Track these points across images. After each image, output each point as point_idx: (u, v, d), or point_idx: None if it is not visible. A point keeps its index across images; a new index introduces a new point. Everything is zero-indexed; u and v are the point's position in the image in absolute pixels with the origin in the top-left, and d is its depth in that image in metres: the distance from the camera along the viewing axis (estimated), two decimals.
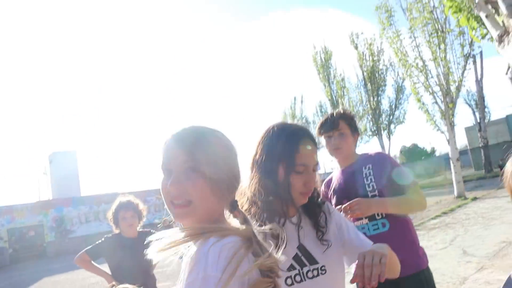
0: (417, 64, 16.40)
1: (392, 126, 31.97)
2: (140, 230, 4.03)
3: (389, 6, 16.87)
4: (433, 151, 63.65)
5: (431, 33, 15.96)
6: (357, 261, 1.39)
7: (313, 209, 1.63)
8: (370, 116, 31.93)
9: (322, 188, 2.70)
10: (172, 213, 1.10)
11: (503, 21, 2.68)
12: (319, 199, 1.67)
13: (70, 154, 35.23)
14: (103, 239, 3.98)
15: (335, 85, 34.53)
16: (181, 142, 1.09)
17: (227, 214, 1.15)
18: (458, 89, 16.99)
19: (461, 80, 16.87)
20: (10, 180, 72.12)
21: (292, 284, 1.50)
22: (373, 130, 32.29)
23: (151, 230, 4.20)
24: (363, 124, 33.30)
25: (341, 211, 2.19)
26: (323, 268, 1.55)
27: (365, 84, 32.02)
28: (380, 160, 2.51)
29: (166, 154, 1.11)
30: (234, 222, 1.13)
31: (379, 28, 17.99)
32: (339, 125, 2.53)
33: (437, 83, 16.42)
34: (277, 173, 1.50)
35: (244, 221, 1.12)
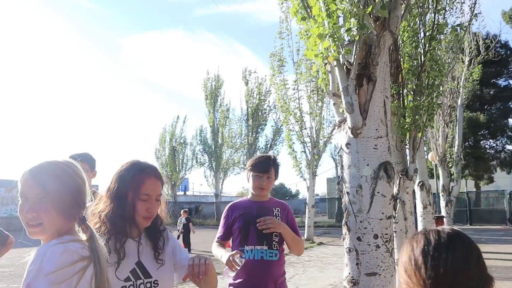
0: (295, 114, 17.90)
1: None
2: None
3: (282, 56, 18.29)
4: (297, 193, 67.47)
5: (312, 90, 17.67)
6: (187, 264, 1.89)
7: (155, 233, 2.06)
8: (246, 150, 33.35)
9: (228, 208, 3.19)
10: (27, 231, 1.47)
11: (342, 112, 3.55)
12: (162, 226, 2.11)
13: None
14: None
15: (220, 113, 35.51)
16: (35, 177, 1.46)
17: (77, 227, 1.54)
18: (326, 144, 18.89)
19: (329, 137, 18.80)
20: None
21: None
22: (245, 163, 33.71)
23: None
24: (238, 156, 34.67)
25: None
26: (155, 282, 1.97)
27: (247, 119, 33.49)
28: (286, 209, 3.17)
29: (23, 184, 1.46)
30: (82, 234, 1.55)
31: (269, 73, 19.29)
32: (270, 170, 3.09)
33: (309, 134, 18.08)
34: (126, 199, 1.91)
35: (90, 233, 1.51)
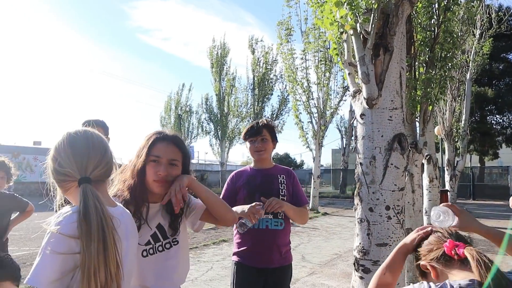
0: (302, 83, 17.77)
1: None
2: (4, 191, 4.09)
3: (290, 25, 18.01)
4: (302, 163, 67.59)
5: (320, 60, 17.48)
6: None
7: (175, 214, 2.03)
8: (252, 120, 33.29)
9: (232, 175, 3.16)
10: None
11: (357, 82, 3.51)
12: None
13: None
14: None
15: (226, 82, 35.27)
16: None
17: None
18: (332, 115, 18.81)
19: (336, 108, 18.72)
20: None
21: (147, 256, 1.96)
22: None
23: (15, 194, 4.30)
24: (243, 125, 34.61)
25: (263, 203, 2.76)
26: (174, 240, 2.04)
27: (254, 89, 33.28)
28: (292, 176, 3.14)
29: None
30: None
31: (276, 41, 19.07)
32: (262, 132, 3.05)
33: (316, 105, 17.98)
34: (139, 163, 1.95)
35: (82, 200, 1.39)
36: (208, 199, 2.02)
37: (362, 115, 3.29)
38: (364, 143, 3.28)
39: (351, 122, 32.42)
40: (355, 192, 3.38)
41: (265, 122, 3.14)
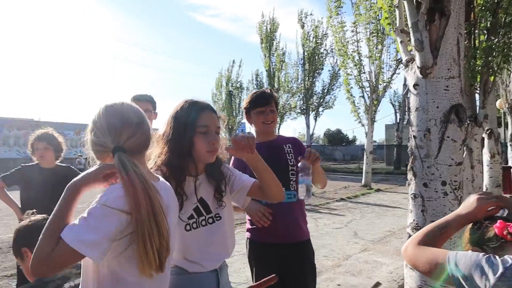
0: (353, 57, 17.27)
1: (320, 108, 33.21)
2: (59, 163, 4.03)
3: None
4: (354, 139, 66.46)
5: (372, 32, 16.87)
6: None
7: (217, 174, 2.01)
8: (302, 95, 32.93)
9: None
10: None
11: (411, 50, 3.30)
12: (222, 166, 2.05)
13: None
14: (19, 166, 3.95)
15: (275, 57, 34.94)
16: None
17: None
18: (385, 89, 18.22)
19: (389, 81, 18.09)
20: None
21: (190, 230, 1.92)
22: (302, 108, 33.39)
23: (70, 166, 4.32)
24: (294, 101, 34.33)
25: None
26: (217, 215, 1.99)
27: (304, 64, 32.77)
28: (297, 143, 2.98)
29: None
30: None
31: (326, 15, 18.60)
32: (271, 102, 2.89)
33: (368, 79, 17.47)
34: (183, 136, 1.86)
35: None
36: (263, 173, 1.97)
37: (415, 85, 3.11)
38: (418, 115, 3.10)
39: (405, 95, 31.38)
40: (408, 166, 3.22)
41: (272, 92, 2.95)
